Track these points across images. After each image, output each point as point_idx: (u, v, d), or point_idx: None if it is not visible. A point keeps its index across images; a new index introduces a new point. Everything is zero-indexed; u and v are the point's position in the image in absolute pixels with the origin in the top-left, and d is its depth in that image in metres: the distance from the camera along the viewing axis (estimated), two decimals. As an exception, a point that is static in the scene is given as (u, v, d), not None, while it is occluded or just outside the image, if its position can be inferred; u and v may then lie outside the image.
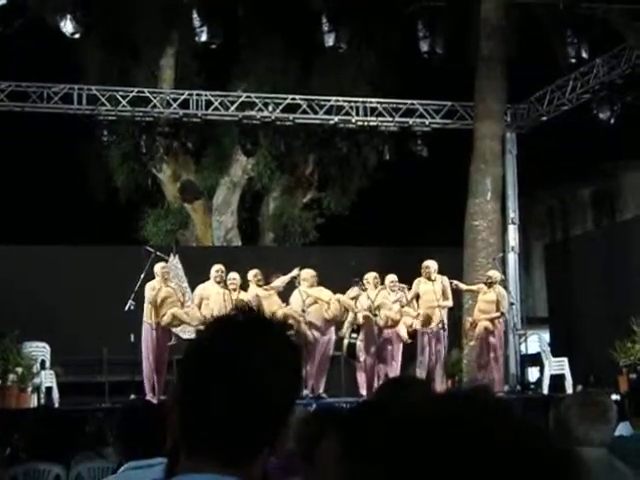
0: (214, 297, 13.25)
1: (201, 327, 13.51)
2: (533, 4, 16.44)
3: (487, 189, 16.67)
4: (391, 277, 14.12)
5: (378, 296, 13.92)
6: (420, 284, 14.17)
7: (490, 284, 14.49)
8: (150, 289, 13.22)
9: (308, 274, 13.76)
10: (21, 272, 15.85)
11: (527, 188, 18.15)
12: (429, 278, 14.13)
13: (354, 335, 13.92)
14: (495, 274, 14.68)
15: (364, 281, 14.03)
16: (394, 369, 13.87)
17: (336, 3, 14.35)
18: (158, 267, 13.50)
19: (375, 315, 13.75)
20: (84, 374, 14.94)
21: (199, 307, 13.36)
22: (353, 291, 13.96)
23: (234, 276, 13.56)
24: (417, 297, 14.23)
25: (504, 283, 15.88)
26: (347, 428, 1.12)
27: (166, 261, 14.74)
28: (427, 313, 13.99)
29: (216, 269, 13.49)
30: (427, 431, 1.00)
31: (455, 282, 14.41)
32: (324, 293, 13.78)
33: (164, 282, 13.39)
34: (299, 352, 1.69)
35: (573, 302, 17.60)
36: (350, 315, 13.86)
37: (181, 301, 13.59)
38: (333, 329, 13.88)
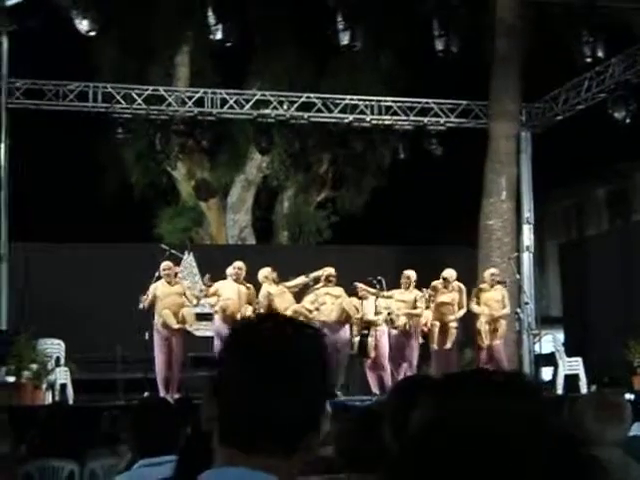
0: (227, 291, 13.28)
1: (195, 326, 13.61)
2: (549, 3, 16.39)
3: (502, 188, 16.65)
4: (408, 274, 14.16)
5: (398, 295, 13.95)
6: (438, 292, 14.18)
7: (496, 282, 14.50)
8: (151, 290, 13.23)
9: (325, 273, 13.76)
10: (35, 270, 15.91)
11: (542, 188, 18.09)
12: (446, 287, 14.13)
13: (365, 332, 13.93)
14: (497, 272, 14.71)
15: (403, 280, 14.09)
16: (410, 368, 13.86)
17: (351, 1, 14.34)
18: (161, 267, 13.46)
19: (389, 314, 13.74)
20: (98, 371, 14.98)
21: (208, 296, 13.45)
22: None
23: (240, 265, 13.57)
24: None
25: (519, 282, 15.87)
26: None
27: (180, 259, 14.74)
28: (443, 327, 14.01)
29: (233, 266, 13.50)
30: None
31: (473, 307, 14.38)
32: (336, 290, 13.77)
33: (167, 282, 13.37)
34: (329, 355, 1.72)
35: (587, 302, 17.56)
36: (357, 315, 13.85)
37: (190, 300, 13.55)
38: (347, 327, 13.84)
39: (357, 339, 13.90)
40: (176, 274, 13.73)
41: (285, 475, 1.59)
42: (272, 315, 1.77)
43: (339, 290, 13.78)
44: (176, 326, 13.09)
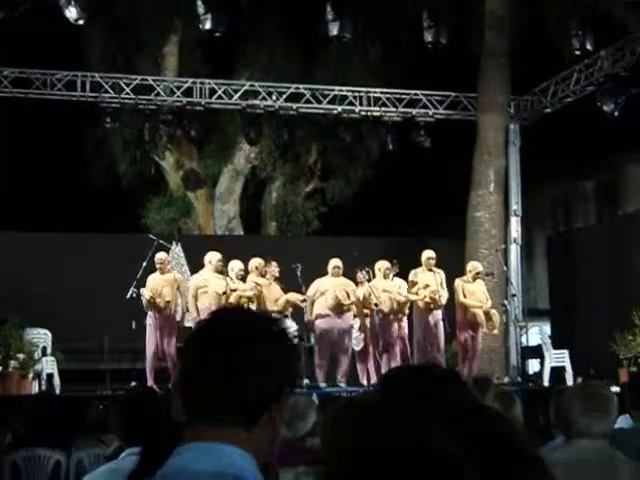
0: (213, 286, 13.16)
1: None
2: (538, -5, 16.42)
3: (490, 180, 16.66)
4: (385, 264, 14.07)
5: (381, 284, 13.89)
6: (418, 274, 14.06)
7: (484, 275, 14.48)
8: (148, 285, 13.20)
9: (330, 264, 13.70)
10: (23, 259, 15.88)
11: (530, 180, 18.12)
12: (430, 269, 14.04)
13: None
14: (479, 266, 14.66)
15: (377, 269, 13.99)
16: (397, 358, 13.83)
17: (341, -8, 14.32)
18: (155, 258, 13.44)
19: (377, 305, 13.71)
20: (85, 361, 14.97)
21: (195, 298, 13.24)
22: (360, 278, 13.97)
23: (241, 266, 13.48)
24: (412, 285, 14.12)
25: (506, 275, 15.89)
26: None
27: (168, 249, 14.71)
28: (432, 298, 13.87)
29: (218, 258, 13.38)
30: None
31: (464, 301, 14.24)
32: (339, 280, 13.68)
33: (160, 273, 13.34)
34: (289, 343, 1.91)
35: (574, 294, 17.60)
36: (347, 302, 13.76)
37: (183, 292, 13.49)
38: (348, 317, 13.75)
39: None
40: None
41: (249, 444, 1.76)
42: (226, 309, 2.10)
43: (341, 280, 13.71)
44: (148, 296, 12.99)
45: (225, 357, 1.77)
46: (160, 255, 13.53)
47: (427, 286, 13.89)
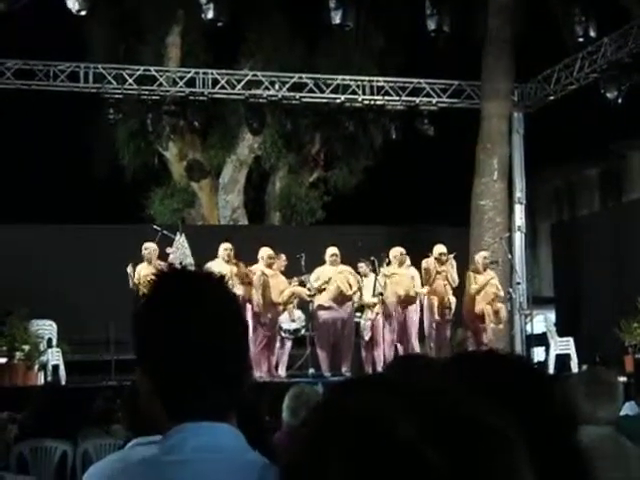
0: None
1: None
2: (541, -18, 16.36)
3: (494, 168, 16.65)
4: (400, 250, 14.06)
5: (393, 273, 13.88)
6: (432, 270, 14.08)
7: (489, 264, 14.46)
8: (136, 272, 13.19)
9: (327, 253, 13.71)
10: (28, 251, 15.89)
11: (534, 168, 18.09)
12: (441, 262, 14.00)
13: (357, 314, 13.92)
14: (488, 254, 14.63)
15: (391, 257, 13.97)
16: (409, 347, 13.84)
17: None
18: (143, 246, 13.50)
19: (381, 294, 13.71)
20: (91, 352, 14.98)
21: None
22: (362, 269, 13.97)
23: (228, 246, 13.47)
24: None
25: (511, 263, 15.88)
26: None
27: (172, 240, 14.71)
28: (439, 300, 13.94)
29: (223, 247, 13.41)
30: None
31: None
32: (339, 269, 13.68)
33: (148, 263, 13.33)
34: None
35: (579, 282, 17.59)
36: (349, 292, 13.76)
37: None
38: (348, 308, 13.76)
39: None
40: (168, 254, 13.70)
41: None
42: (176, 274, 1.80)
43: (343, 268, 13.71)
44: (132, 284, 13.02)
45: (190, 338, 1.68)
46: (148, 244, 13.52)
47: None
